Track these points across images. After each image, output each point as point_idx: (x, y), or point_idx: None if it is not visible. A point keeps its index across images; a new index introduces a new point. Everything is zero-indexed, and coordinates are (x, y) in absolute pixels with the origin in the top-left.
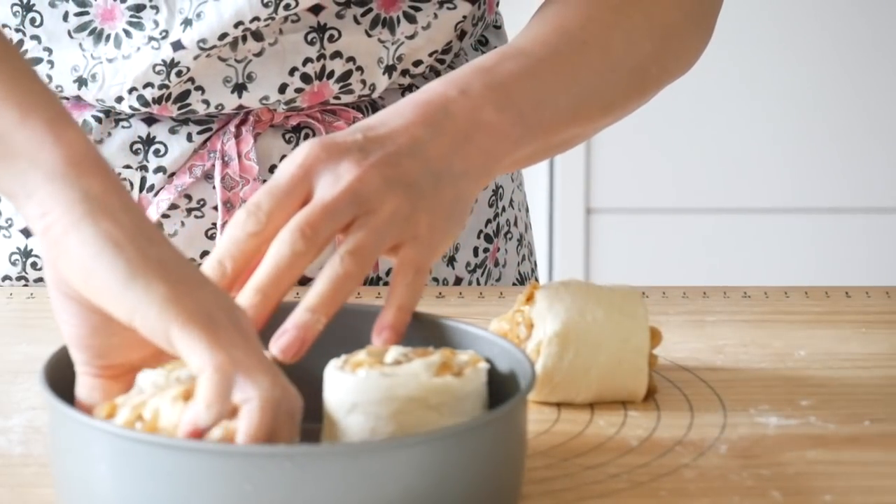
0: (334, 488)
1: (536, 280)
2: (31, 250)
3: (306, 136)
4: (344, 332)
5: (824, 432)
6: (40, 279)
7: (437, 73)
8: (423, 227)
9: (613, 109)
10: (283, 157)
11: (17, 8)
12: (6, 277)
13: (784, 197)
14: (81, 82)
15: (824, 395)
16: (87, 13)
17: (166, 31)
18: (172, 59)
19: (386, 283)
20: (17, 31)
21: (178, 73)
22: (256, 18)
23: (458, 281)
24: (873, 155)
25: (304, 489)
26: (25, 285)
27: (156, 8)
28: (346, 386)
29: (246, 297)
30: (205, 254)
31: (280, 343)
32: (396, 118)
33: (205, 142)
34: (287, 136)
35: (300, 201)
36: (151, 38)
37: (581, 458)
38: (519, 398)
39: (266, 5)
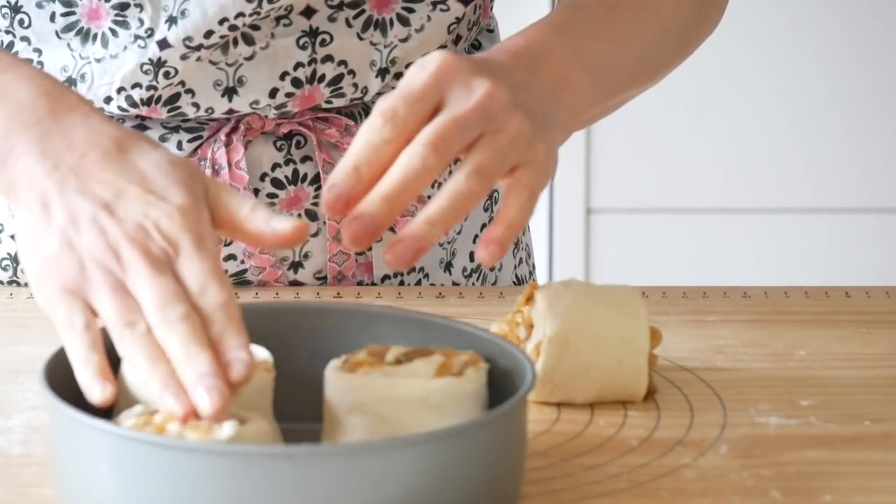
0: (334, 488)
1: (535, 281)
2: None
3: (297, 144)
4: (344, 332)
5: (824, 432)
6: None
7: None
8: (541, 153)
9: (660, 73)
10: (275, 165)
11: (5, 10)
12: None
13: (784, 197)
14: (71, 82)
15: (824, 395)
16: (73, 13)
17: (151, 30)
18: (159, 59)
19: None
20: (8, 32)
21: (167, 74)
22: (241, 14)
23: (455, 286)
24: (873, 155)
25: (304, 489)
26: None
27: (140, 6)
28: (346, 386)
29: (372, 205)
30: None
31: (395, 251)
32: (499, 59)
33: (195, 150)
34: (278, 144)
35: (432, 109)
36: (137, 37)
37: (581, 458)
38: (519, 398)
39: (249, 0)
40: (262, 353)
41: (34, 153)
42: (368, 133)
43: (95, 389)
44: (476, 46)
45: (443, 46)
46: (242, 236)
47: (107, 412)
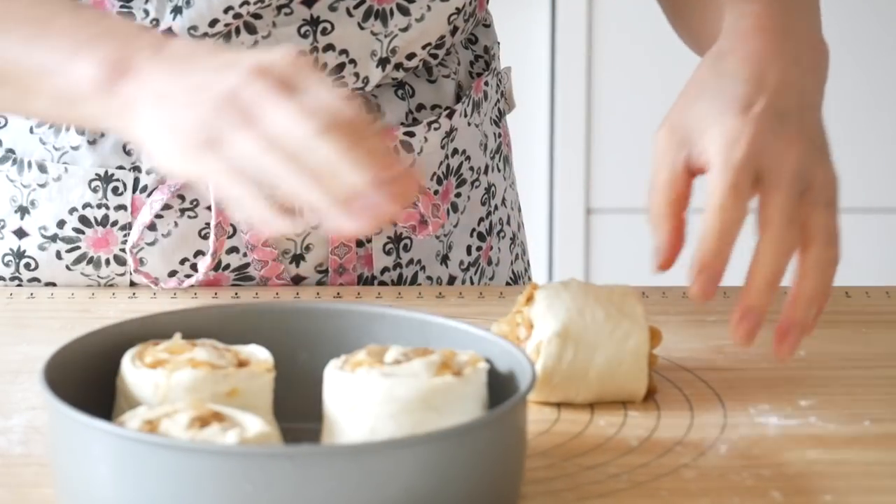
0: (334, 488)
1: (531, 279)
2: (24, 251)
3: None
4: (344, 332)
5: (824, 432)
6: (34, 279)
7: (429, 68)
8: (835, 189)
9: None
10: None
11: None
12: None
13: None
14: None
15: (824, 395)
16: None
17: (157, 20)
18: None
19: (382, 283)
20: None
21: None
22: (246, 3)
23: (451, 280)
24: (873, 155)
25: (304, 489)
26: (19, 285)
27: None
28: (346, 386)
29: (760, 298)
30: (198, 253)
31: (744, 327)
32: (768, 60)
33: None
34: None
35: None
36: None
37: (581, 458)
38: (519, 398)
39: None
40: (262, 353)
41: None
42: (724, 213)
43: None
44: (472, 41)
45: (442, 37)
46: None
47: (107, 412)
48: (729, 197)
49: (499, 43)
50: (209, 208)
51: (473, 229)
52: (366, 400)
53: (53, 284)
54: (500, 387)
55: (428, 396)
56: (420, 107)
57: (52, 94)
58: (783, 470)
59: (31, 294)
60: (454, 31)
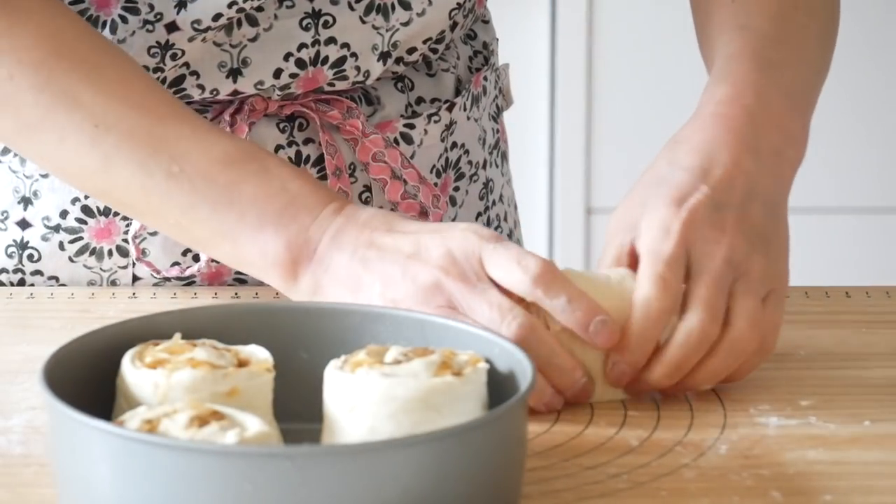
0: (334, 488)
1: None
2: (28, 242)
3: (300, 126)
4: (344, 332)
5: (824, 432)
6: (37, 272)
7: (428, 62)
8: (778, 280)
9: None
10: (278, 146)
11: None
12: (3, 270)
13: None
14: None
15: (824, 395)
16: (82, 1)
17: (161, 14)
18: (167, 41)
19: None
20: None
21: (173, 56)
22: None
23: None
24: (873, 155)
25: (304, 489)
26: (22, 278)
27: None
28: (346, 386)
29: (657, 373)
30: None
31: (616, 373)
32: (719, 150)
33: None
34: (281, 126)
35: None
36: (146, 22)
37: (581, 458)
38: (519, 398)
39: None
40: (262, 353)
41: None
42: (648, 306)
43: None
44: (471, 37)
45: (442, 32)
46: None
47: (107, 412)
48: (654, 289)
49: (497, 39)
50: None
51: None
52: (365, 400)
53: (56, 278)
54: (500, 387)
55: (427, 396)
56: (419, 100)
57: (226, 254)
58: (783, 470)
59: (31, 294)
60: (454, 26)
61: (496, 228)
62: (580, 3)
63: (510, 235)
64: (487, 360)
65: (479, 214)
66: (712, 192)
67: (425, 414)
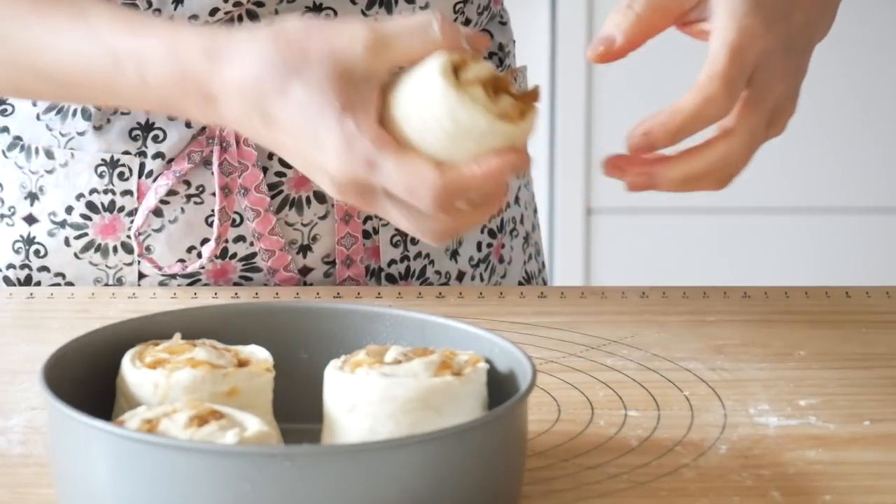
0: (334, 488)
1: (545, 281)
2: (34, 237)
3: None
4: (344, 332)
5: (824, 432)
6: (43, 268)
7: None
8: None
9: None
10: None
11: None
12: (10, 266)
13: (784, 197)
14: None
15: (824, 395)
16: None
17: (159, 10)
18: None
19: (389, 276)
20: None
21: None
22: None
23: (460, 275)
24: (873, 155)
25: (304, 489)
26: (29, 274)
27: None
28: (345, 386)
29: (678, 177)
30: (205, 241)
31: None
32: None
33: (203, 128)
34: None
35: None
36: None
37: (581, 458)
38: (519, 398)
39: None
40: (262, 353)
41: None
42: (707, 103)
43: None
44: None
45: None
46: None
47: (107, 412)
48: (724, 91)
49: (514, 41)
50: (214, 194)
51: (484, 226)
52: (365, 400)
53: (62, 275)
54: (500, 387)
55: (427, 396)
56: None
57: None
58: (783, 470)
59: (31, 294)
60: (466, 22)
61: (512, 231)
62: (580, 3)
63: (527, 238)
64: (487, 360)
65: (491, 217)
66: (788, 33)
67: (425, 414)
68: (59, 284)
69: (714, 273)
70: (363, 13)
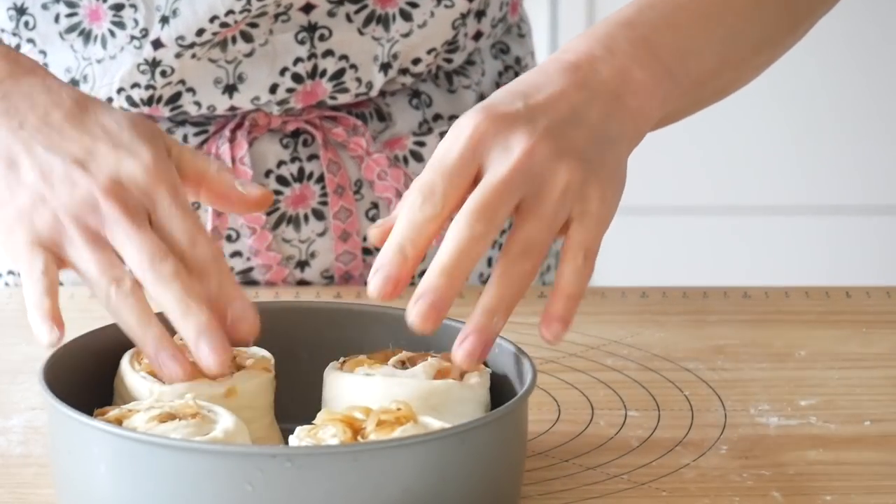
0: (334, 488)
1: (544, 283)
2: None
3: (304, 143)
4: (344, 332)
5: (824, 432)
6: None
7: (447, 73)
8: (595, 201)
9: (764, 48)
10: (280, 162)
11: (11, 12)
12: (10, 272)
13: (784, 197)
14: (74, 83)
15: (824, 395)
16: (76, 14)
17: (146, 30)
18: (154, 58)
19: None
20: (14, 35)
21: (163, 73)
22: (231, 12)
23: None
24: (874, 154)
25: (304, 489)
26: None
27: (134, 6)
28: (345, 386)
29: (431, 281)
30: None
31: (465, 348)
32: (548, 83)
33: (201, 144)
34: (284, 142)
35: (472, 178)
36: (133, 38)
37: (581, 458)
38: (519, 399)
39: None
40: (262, 353)
41: None
42: (410, 212)
43: (44, 331)
44: (504, 51)
45: (450, 42)
46: (208, 194)
47: None
48: (417, 195)
49: (533, 53)
50: (208, 211)
51: (496, 241)
52: (365, 400)
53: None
54: (500, 387)
55: (427, 397)
56: (437, 117)
57: None
58: (783, 470)
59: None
60: (477, 36)
61: None
62: (580, 3)
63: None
64: (487, 362)
65: (503, 232)
66: (527, 108)
67: (425, 414)
68: (60, 285)
69: (714, 273)
70: (359, 31)
